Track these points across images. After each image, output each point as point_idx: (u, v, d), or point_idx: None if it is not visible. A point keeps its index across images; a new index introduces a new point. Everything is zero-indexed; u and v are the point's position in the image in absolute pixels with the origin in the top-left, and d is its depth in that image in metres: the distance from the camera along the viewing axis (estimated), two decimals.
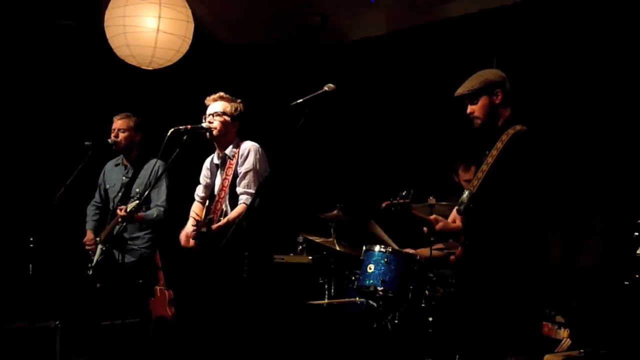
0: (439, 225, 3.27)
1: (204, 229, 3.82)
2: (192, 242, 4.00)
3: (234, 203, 3.98)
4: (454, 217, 3.33)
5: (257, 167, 3.95)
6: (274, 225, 4.19)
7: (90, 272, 4.63)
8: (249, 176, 3.94)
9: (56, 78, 5.59)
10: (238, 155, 4.01)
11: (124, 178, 4.75)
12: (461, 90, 3.30)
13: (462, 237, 3.31)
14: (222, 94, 4.09)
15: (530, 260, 3.09)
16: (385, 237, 4.74)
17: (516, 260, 3.07)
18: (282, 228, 4.97)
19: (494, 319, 3.12)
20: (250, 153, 3.97)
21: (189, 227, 4.07)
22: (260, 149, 4.03)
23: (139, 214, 4.38)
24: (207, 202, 4.20)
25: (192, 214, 4.18)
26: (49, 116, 5.56)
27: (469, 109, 3.30)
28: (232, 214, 3.92)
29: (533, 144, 3.13)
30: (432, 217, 3.32)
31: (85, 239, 4.80)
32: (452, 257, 4.63)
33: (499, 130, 3.21)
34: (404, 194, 3.23)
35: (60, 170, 4.68)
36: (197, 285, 4.06)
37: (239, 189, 3.96)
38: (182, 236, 4.09)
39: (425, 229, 3.32)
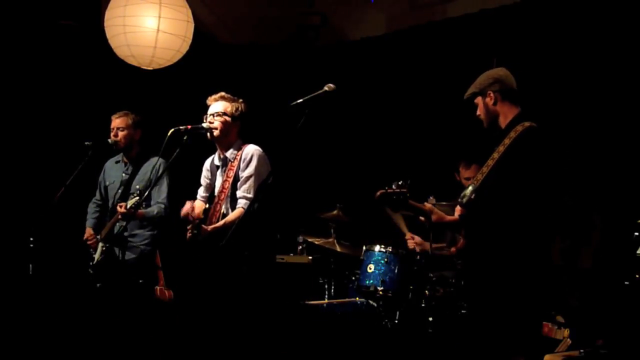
0: (434, 217, 3.31)
1: (195, 231, 3.82)
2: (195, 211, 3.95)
3: (233, 206, 3.97)
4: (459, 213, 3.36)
5: (259, 172, 3.93)
6: (274, 226, 4.18)
7: (91, 272, 4.62)
8: (250, 181, 3.93)
9: (57, 78, 5.58)
10: (240, 158, 3.99)
11: (123, 175, 4.75)
12: (465, 95, 3.40)
13: (463, 230, 3.33)
14: (223, 93, 4.07)
15: (531, 257, 3.09)
16: (402, 223, 4.75)
17: (517, 257, 3.08)
18: (283, 229, 4.97)
19: (495, 317, 3.12)
20: (253, 158, 3.95)
21: (187, 207, 4.03)
22: (263, 154, 4.00)
23: (139, 211, 4.37)
24: (208, 203, 4.19)
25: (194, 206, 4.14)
26: (49, 116, 5.56)
27: (477, 111, 3.39)
28: (229, 217, 3.91)
29: (542, 139, 3.16)
30: (427, 206, 3.35)
31: (85, 236, 4.79)
32: (453, 248, 4.68)
33: (506, 128, 3.25)
34: (400, 183, 3.26)
35: (60, 170, 4.68)
36: (197, 286, 4.05)
37: (238, 193, 3.94)
38: (187, 207, 4.02)
39: (422, 218, 3.35)
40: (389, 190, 3.33)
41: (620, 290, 3.87)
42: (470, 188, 3.20)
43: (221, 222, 3.90)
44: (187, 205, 3.99)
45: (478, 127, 3.42)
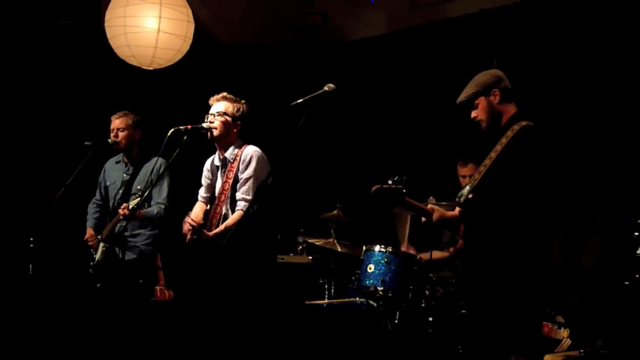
0: (435, 215, 3.30)
1: (195, 236, 3.82)
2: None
3: (233, 207, 3.97)
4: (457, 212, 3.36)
5: (258, 174, 3.93)
6: (274, 226, 4.18)
7: (92, 272, 4.62)
8: (249, 183, 3.93)
9: (57, 78, 5.59)
10: (239, 159, 3.98)
11: (124, 175, 4.74)
12: (460, 98, 3.36)
13: (462, 229, 3.32)
14: (225, 94, 4.07)
15: (530, 256, 3.09)
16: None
17: (516, 256, 3.08)
18: (283, 229, 4.97)
19: (494, 317, 3.12)
20: (252, 160, 3.95)
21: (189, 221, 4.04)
22: (262, 156, 4.00)
23: (139, 211, 4.38)
24: (208, 205, 4.19)
25: (193, 212, 4.16)
26: (49, 116, 5.56)
27: (473, 114, 3.34)
28: (229, 221, 3.91)
29: (539, 138, 3.15)
30: (429, 206, 3.34)
31: (85, 236, 4.79)
32: (452, 248, 4.69)
33: (504, 128, 3.23)
34: (395, 179, 3.24)
35: (60, 170, 4.68)
36: (198, 286, 4.05)
37: (237, 195, 3.94)
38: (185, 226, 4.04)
39: (423, 218, 3.34)
40: (384, 187, 3.31)
41: (620, 290, 3.87)
42: (467, 187, 3.20)
43: (222, 227, 3.90)
44: (186, 226, 3.99)
45: (477, 126, 3.41)
